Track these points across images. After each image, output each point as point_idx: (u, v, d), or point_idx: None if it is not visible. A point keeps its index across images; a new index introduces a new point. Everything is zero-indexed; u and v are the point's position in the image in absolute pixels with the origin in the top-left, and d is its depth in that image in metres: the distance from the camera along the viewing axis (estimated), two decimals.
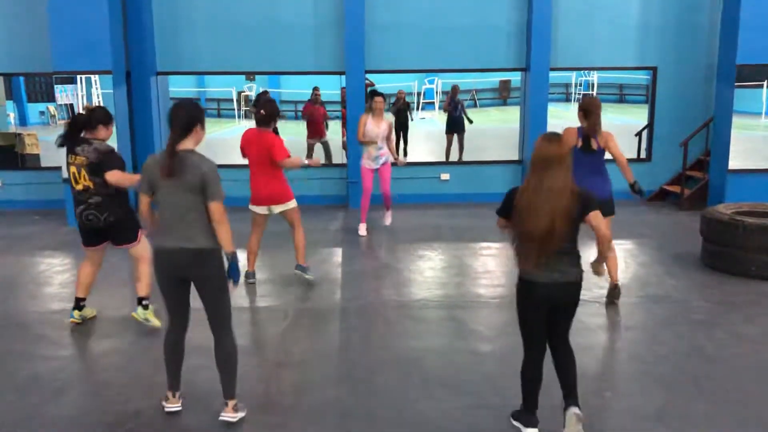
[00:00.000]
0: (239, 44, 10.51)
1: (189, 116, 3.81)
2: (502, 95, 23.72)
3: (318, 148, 12.96)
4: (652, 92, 10.97)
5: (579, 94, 23.56)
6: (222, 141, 15.17)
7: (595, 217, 3.61)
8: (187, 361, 4.21)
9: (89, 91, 9.43)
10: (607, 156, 5.79)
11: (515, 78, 14.43)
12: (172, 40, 10.47)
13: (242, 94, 21.64)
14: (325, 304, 6.27)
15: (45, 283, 6.88)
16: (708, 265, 7.15)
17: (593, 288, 6.09)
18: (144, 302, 5.47)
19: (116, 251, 5.77)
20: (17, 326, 5.73)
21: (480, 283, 6.83)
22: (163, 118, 10.93)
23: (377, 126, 8.53)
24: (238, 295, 6.16)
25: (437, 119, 17.55)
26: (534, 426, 3.83)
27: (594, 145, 5.75)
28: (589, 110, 5.75)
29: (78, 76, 9.32)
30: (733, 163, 9.66)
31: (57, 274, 7.21)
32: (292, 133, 13.29)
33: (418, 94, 22.14)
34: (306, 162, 6.52)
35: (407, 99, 15.16)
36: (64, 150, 5.41)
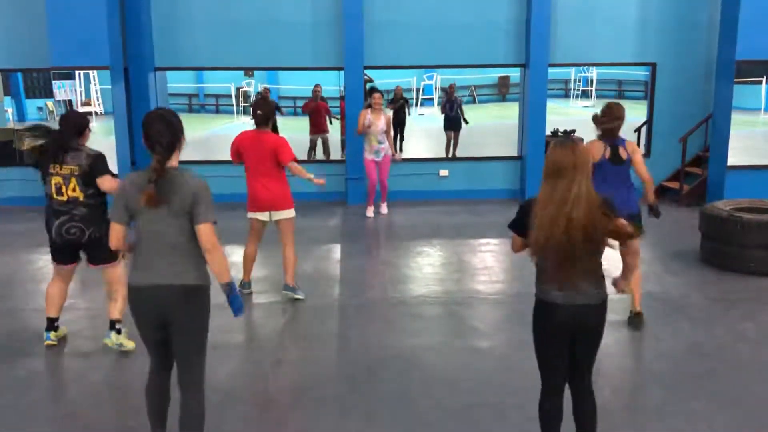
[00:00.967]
0: (237, 39, 10.47)
1: (172, 130, 3.28)
2: (501, 91, 23.68)
3: (319, 145, 12.96)
4: (651, 88, 10.95)
5: (578, 90, 23.56)
6: (220, 137, 15.14)
7: (622, 227, 3.24)
8: None
9: (87, 87, 9.41)
10: None
11: (514, 74, 14.42)
12: (170, 35, 10.42)
13: (241, 89, 21.61)
14: (324, 301, 6.25)
15: (42, 280, 6.85)
16: (707, 262, 7.15)
17: None
18: (117, 326, 5.01)
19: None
20: (13, 324, 5.72)
21: (479, 280, 6.83)
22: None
23: (377, 121, 8.98)
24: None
25: (436, 115, 17.52)
26: None
27: (624, 155, 5.35)
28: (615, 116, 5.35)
29: (76, 72, 9.30)
30: (732, 160, 9.66)
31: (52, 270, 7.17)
32: (291, 130, 13.25)
33: (417, 90, 22.11)
34: (312, 177, 6.16)
35: (404, 95, 15.13)
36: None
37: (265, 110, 6.05)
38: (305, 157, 12.23)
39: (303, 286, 6.42)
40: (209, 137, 17.13)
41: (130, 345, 4.99)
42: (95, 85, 9.35)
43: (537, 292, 3.34)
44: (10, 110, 13.05)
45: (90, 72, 9.29)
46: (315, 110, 12.82)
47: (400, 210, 9.37)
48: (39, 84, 12.97)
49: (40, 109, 13.28)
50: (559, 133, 12.22)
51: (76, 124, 4.87)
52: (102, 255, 4.90)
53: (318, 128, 12.87)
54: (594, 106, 19.54)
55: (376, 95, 9.12)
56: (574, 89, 23.69)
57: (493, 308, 5.99)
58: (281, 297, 6.30)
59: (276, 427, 3.93)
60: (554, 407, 3.41)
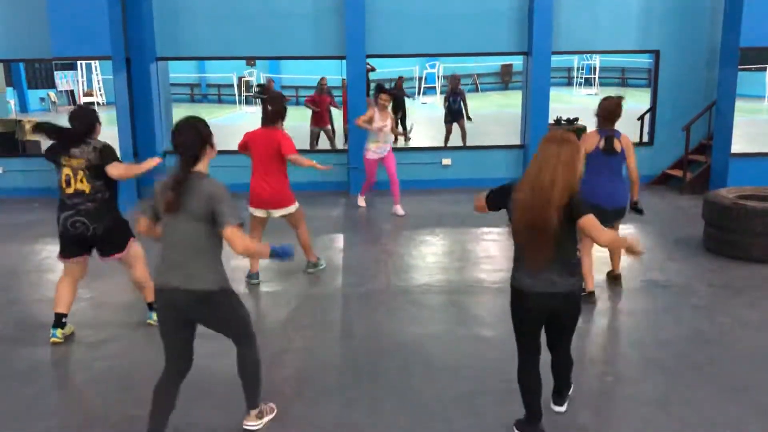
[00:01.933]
0: (239, 29, 10.45)
1: (199, 138, 3.37)
2: (504, 80, 23.62)
3: (323, 137, 12.94)
4: (655, 76, 10.91)
5: (581, 77, 23.47)
6: (223, 127, 15.12)
7: (588, 222, 3.29)
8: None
9: (89, 77, 9.40)
10: None
11: (517, 62, 14.35)
12: (171, 25, 10.40)
13: (243, 79, 21.57)
14: (327, 290, 6.27)
15: (47, 270, 6.87)
16: (710, 250, 7.14)
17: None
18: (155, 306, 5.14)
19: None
20: (19, 314, 5.75)
21: (481, 269, 6.83)
22: (163, 103, 10.90)
23: (383, 119, 8.92)
24: (240, 283, 6.17)
25: (438, 105, 17.47)
26: None
27: (618, 147, 5.46)
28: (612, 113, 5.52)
29: (78, 62, 9.29)
30: (736, 147, 9.62)
31: (58, 262, 7.18)
32: (292, 119, 13.20)
33: (420, 78, 22.04)
34: (314, 163, 6.21)
35: (403, 86, 15.15)
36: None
37: (275, 107, 6.08)
38: (307, 147, 12.22)
39: (306, 275, 6.55)
40: (211, 127, 17.05)
41: None
42: (97, 75, 9.34)
43: (511, 279, 3.53)
44: (12, 101, 13.04)
45: (92, 62, 9.27)
46: (318, 104, 12.79)
47: (403, 199, 9.36)
48: (41, 74, 12.94)
49: (42, 99, 13.26)
50: (562, 122, 12.17)
51: (86, 120, 4.88)
52: (111, 246, 4.98)
53: (319, 121, 12.84)
54: (597, 94, 19.48)
55: (384, 95, 9.04)
56: (577, 77, 23.59)
57: (496, 297, 5.99)
58: (285, 287, 6.32)
59: (280, 416, 3.95)
60: (531, 380, 3.59)
